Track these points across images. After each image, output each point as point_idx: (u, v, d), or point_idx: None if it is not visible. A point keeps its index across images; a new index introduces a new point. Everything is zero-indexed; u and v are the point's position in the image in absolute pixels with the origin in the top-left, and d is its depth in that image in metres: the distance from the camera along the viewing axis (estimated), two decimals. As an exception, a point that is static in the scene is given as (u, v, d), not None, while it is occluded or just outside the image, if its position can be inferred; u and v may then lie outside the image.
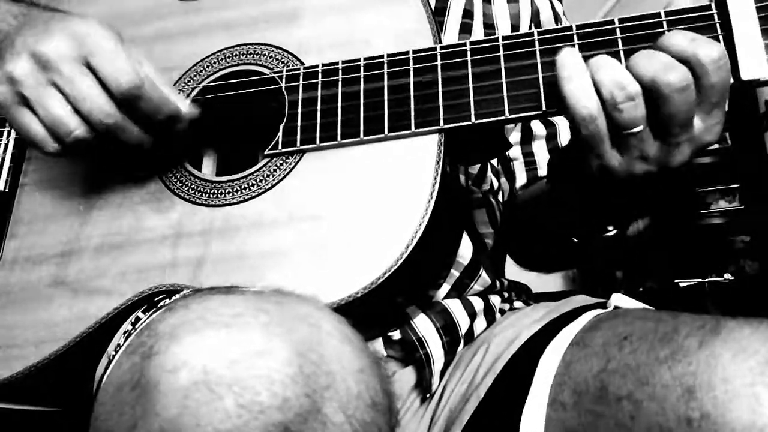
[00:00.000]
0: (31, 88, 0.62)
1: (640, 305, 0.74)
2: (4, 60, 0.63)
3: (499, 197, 0.97)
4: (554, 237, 0.84)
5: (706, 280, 2.67)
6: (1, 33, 0.67)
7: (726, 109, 0.59)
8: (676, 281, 2.72)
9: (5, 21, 0.68)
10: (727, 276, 2.68)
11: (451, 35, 0.88)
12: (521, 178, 0.96)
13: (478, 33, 0.90)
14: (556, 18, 1.00)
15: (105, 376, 0.53)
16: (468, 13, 0.90)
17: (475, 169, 0.90)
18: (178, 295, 0.61)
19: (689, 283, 2.68)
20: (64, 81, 0.61)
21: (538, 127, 0.97)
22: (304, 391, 0.40)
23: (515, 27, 0.94)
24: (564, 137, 0.96)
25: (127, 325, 0.63)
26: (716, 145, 2.80)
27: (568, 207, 0.78)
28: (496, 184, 0.95)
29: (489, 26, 0.91)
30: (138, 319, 0.62)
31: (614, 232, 0.77)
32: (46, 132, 0.63)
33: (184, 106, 0.66)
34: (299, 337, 0.43)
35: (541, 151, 0.96)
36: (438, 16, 0.71)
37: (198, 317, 0.44)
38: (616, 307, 0.74)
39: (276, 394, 0.39)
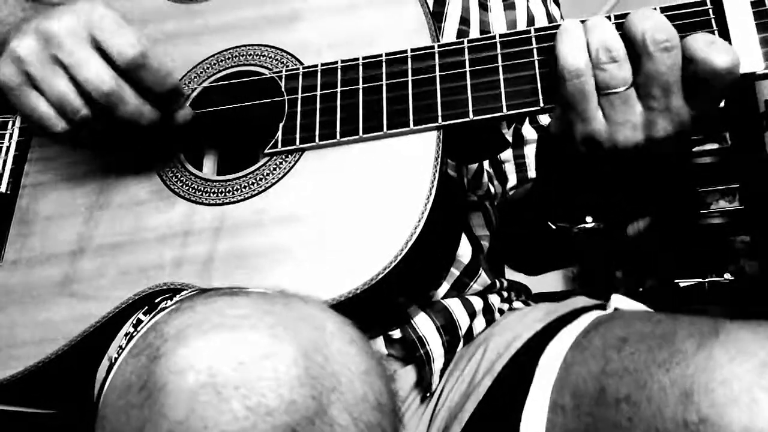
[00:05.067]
0: (36, 66, 0.62)
1: (640, 307, 0.74)
2: (10, 42, 0.64)
3: (495, 203, 0.97)
4: (537, 229, 0.84)
5: (706, 280, 2.67)
6: (7, 26, 0.68)
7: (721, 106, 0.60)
8: (676, 281, 2.72)
9: (13, 14, 0.70)
10: (727, 276, 2.68)
11: (448, 40, 0.88)
12: (512, 180, 0.97)
13: None
14: (551, 22, 1.01)
15: (109, 378, 0.53)
16: (464, 21, 0.90)
17: (470, 173, 0.90)
18: (179, 296, 0.61)
19: (689, 283, 2.68)
20: (64, 54, 0.61)
21: (528, 132, 0.98)
22: (310, 393, 0.40)
23: None
24: None
25: (128, 327, 0.63)
26: (716, 145, 2.81)
27: (550, 193, 0.78)
28: (493, 190, 0.96)
29: (485, 33, 0.92)
30: (139, 321, 0.62)
31: (593, 224, 0.76)
32: (54, 112, 0.63)
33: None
34: (305, 339, 0.43)
35: (532, 154, 0.97)
36: (435, 21, 0.72)
37: (204, 319, 0.44)
38: (615, 309, 0.74)
39: (282, 396, 0.39)
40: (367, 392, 0.43)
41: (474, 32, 0.91)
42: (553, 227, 0.79)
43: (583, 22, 0.62)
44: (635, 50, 0.58)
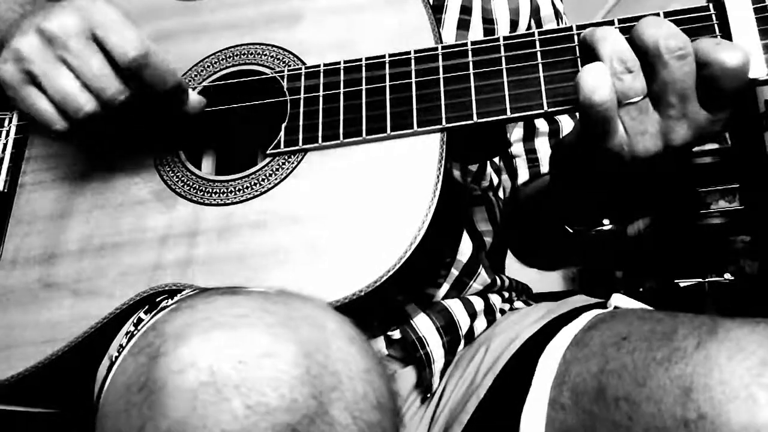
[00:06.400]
0: (39, 65, 0.62)
1: (640, 305, 0.74)
2: (11, 40, 0.63)
3: (500, 194, 0.97)
4: (551, 229, 0.84)
5: (706, 280, 2.67)
6: (7, 22, 0.68)
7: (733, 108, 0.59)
8: (676, 281, 2.72)
9: (12, 10, 0.70)
10: (727, 276, 2.68)
11: (448, 32, 0.88)
12: (523, 175, 0.96)
13: (476, 29, 0.90)
14: (557, 15, 1.00)
15: (109, 377, 0.53)
16: (466, 10, 0.90)
17: (474, 165, 0.90)
18: (179, 295, 0.61)
19: (689, 283, 2.68)
20: (72, 56, 0.61)
21: (540, 124, 0.97)
22: (311, 393, 0.40)
23: (514, 22, 0.94)
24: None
25: (129, 326, 0.63)
26: (716, 145, 2.81)
27: (566, 198, 0.78)
28: (496, 181, 0.95)
29: (488, 21, 0.91)
30: (140, 320, 0.62)
31: (610, 226, 0.76)
32: (54, 110, 0.63)
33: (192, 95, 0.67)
34: (305, 338, 0.42)
35: (543, 148, 0.96)
36: (435, 13, 0.71)
37: (205, 318, 0.43)
38: (615, 308, 0.73)
39: (283, 395, 0.39)
40: (368, 391, 0.43)
41: (476, 21, 0.90)
42: (570, 231, 0.79)
43: (590, 27, 0.61)
44: (647, 59, 0.58)
